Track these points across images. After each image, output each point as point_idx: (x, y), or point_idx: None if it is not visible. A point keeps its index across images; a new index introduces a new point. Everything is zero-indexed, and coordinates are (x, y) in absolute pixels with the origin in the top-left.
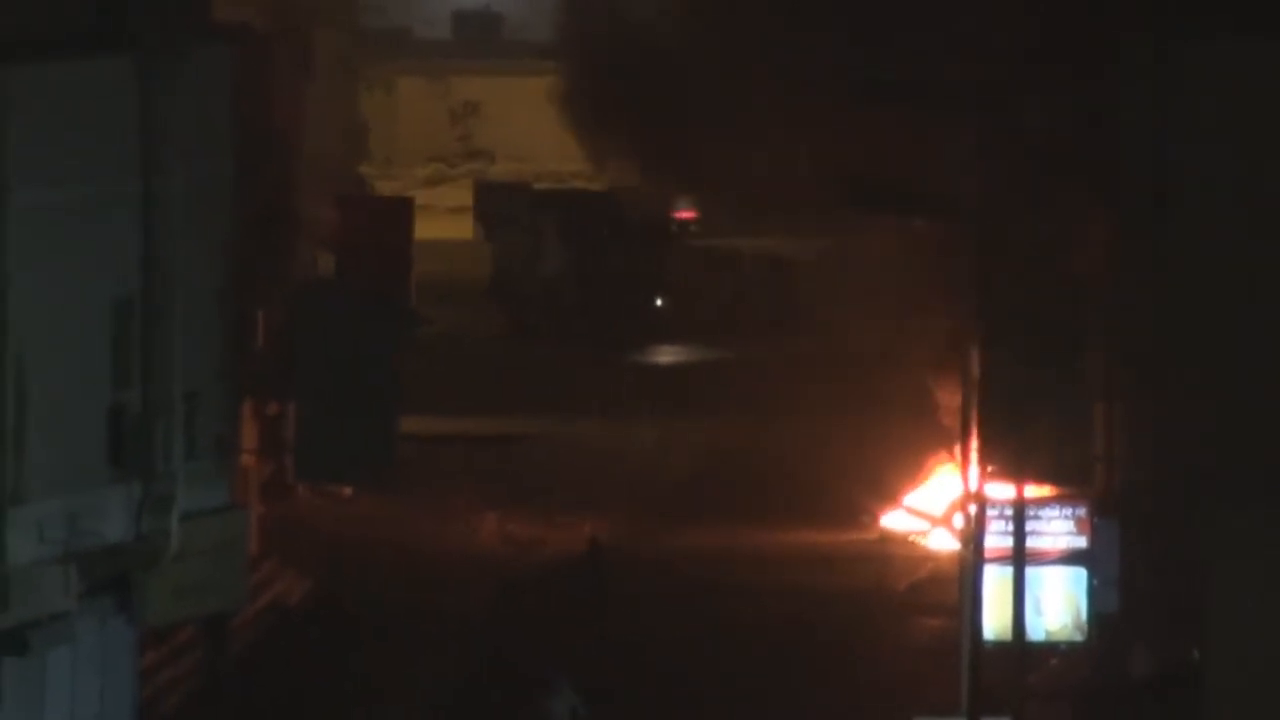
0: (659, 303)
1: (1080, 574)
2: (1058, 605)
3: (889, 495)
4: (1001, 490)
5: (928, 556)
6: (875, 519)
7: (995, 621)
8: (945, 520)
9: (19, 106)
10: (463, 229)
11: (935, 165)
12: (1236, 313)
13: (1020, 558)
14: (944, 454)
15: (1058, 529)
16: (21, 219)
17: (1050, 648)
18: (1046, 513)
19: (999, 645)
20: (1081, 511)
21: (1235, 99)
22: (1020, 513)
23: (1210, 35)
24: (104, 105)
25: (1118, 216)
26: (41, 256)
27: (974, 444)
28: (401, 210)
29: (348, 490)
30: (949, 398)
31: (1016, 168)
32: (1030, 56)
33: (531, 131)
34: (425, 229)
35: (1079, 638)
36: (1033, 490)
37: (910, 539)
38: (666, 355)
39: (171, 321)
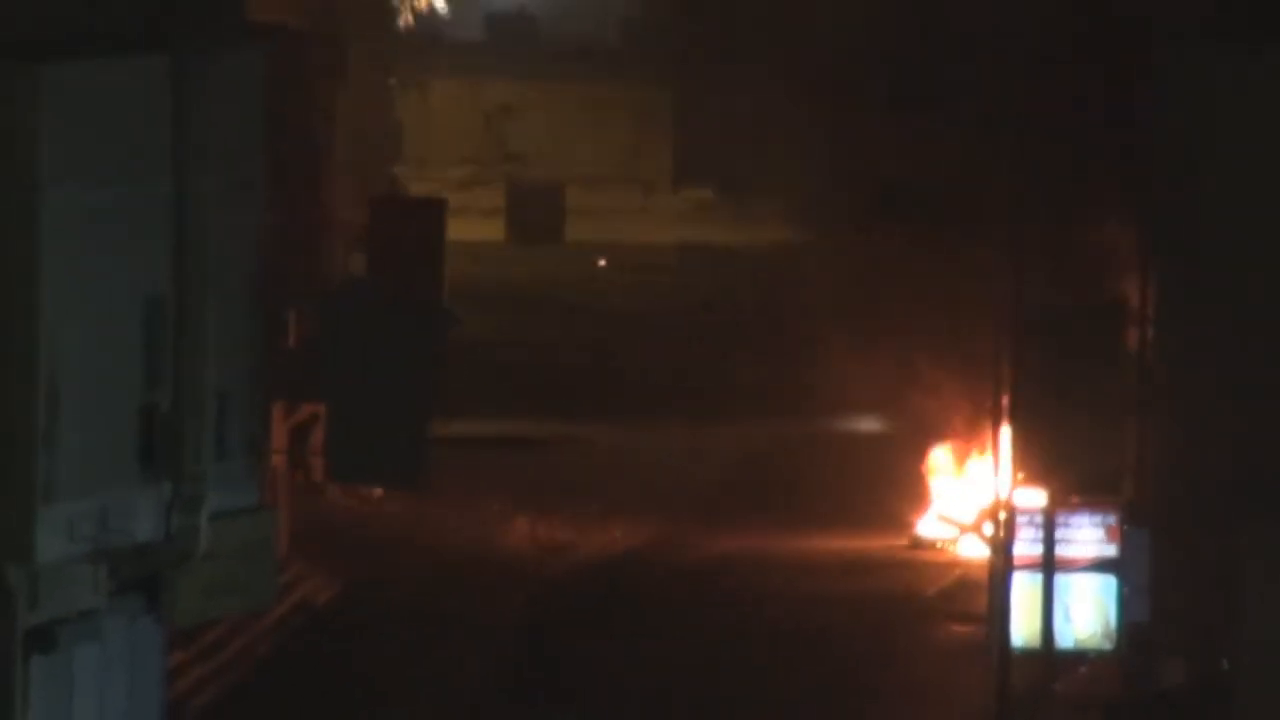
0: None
1: (1110, 582)
2: (1087, 613)
3: (920, 502)
4: (1032, 498)
5: (957, 563)
6: (906, 525)
7: (1024, 629)
8: (975, 527)
9: (51, 105)
10: (495, 231)
11: (966, 177)
12: (1265, 321)
13: (1050, 565)
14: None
15: (1088, 537)
16: (53, 217)
17: (1079, 656)
18: (1076, 520)
19: (1028, 653)
20: (1112, 519)
21: (1266, 108)
22: (1050, 520)
23: (1240, 43)
24: (137, 104)
25: (1148, 227)
26: (73, 255)
27: (1004, 451)
28: (435, 211)
29: (378, 491)
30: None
31: (1047, 180)
32: (1058, 64)
33: (565, 134)
34: (457, 230)
35: (1108, 646)
36: (1063, 498)
37: (940, 545)
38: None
39: (203, 321)
